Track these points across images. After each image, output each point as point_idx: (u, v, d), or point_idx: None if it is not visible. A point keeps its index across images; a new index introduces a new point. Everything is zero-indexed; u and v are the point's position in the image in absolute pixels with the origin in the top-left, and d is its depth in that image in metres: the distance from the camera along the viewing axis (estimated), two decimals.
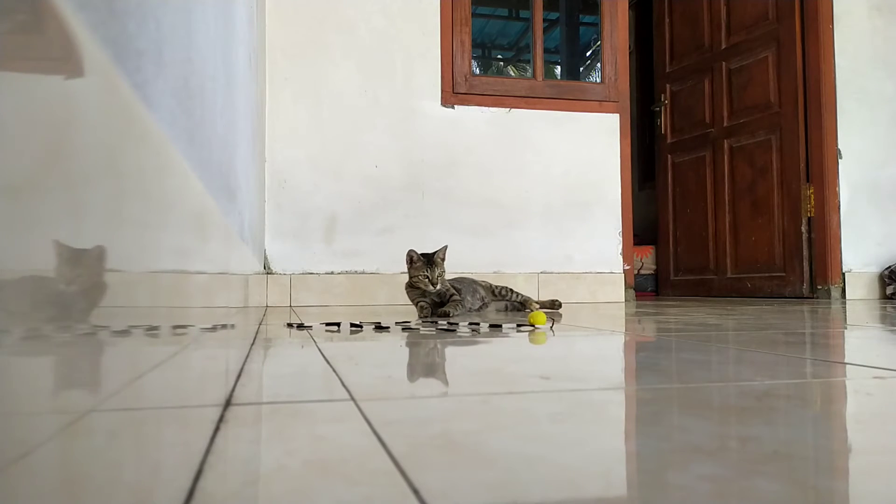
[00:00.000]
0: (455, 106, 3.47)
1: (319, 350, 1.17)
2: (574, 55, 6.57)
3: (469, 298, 2.47)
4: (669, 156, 4.69)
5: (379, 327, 1.65)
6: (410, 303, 2.42)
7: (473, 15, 3.62)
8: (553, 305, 2.77)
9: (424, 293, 2.29)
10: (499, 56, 8.69)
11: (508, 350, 1.27)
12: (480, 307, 2.58)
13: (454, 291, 2.34)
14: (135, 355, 0.38)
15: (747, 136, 4.14)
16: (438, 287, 2.26)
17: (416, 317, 2.19)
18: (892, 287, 3.80)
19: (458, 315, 2.22)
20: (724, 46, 4.27)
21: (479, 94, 3.50)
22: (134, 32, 0.37)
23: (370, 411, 0.62)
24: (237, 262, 1.13)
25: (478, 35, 7.57)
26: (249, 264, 1.62)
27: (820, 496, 0.39)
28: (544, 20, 5.01)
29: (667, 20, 4.68)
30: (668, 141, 4.70)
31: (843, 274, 3.81)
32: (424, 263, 2.27)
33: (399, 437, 0.53)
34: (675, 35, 4.64)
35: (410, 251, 2.30)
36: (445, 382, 0.89)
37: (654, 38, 4.83)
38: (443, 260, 2.32)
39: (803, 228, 3.84)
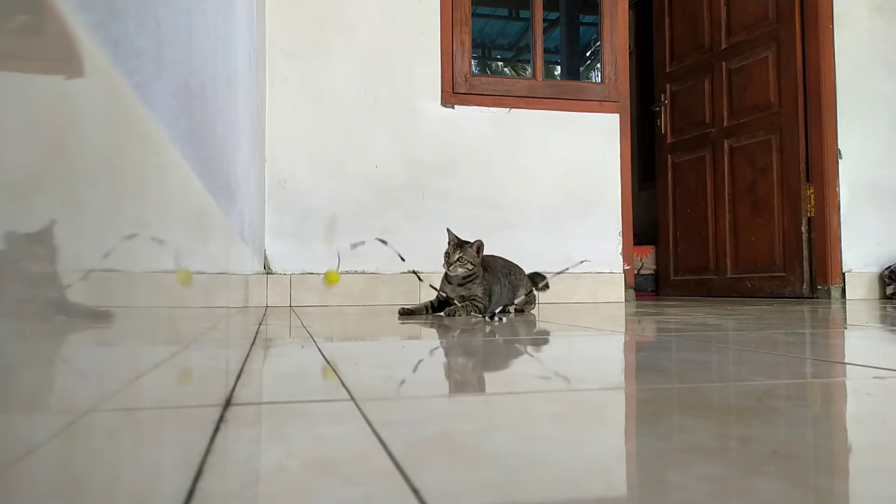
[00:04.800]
0: (455, 106, 3.47)
1: (319, 350, 1.17)
2: (574, 55, 6.57)
3: (497, 296, 2.40)
4: (669, 156, 4.69)
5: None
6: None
7: (473, 15, 3.61)
8: (535, 282, 2.68)
9: (448, 283, 2.29)
10: (498, 56, 8.69)
11: (508, 350, 1.27)
12: (505, 309, 2.48)
13: (477, 296, 2.29)
14: (135, 355, 0.38)
15: (747, 136, 4.14)
16: (458, 272, 2.24)
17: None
18: (892, 287, 3.80)
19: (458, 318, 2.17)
20: (724, 46, 4.27)
21: (479, 94, 3.50)
22: (134, 32, 0.37)
23: (370, 411, 0.62)
24: (237, 262, 1.13)
25: (478, 35, 7.57)
26: (249, 264, 1.62)
27: (820, 496, 0.39)
28: (544, 20, 5.02)
29: (667, 20, 4.67)
30: (668, 141, 4.70)
31: (843, 274, 3.80)
32: (454, 246, 2.28)
33: (399, 437, 0.53)
34: (675, 35, 4.63)
35: (448, 230, 2.33)
36: (445, 382, 0.89)
37: (654, 38, 4.83)
38: (478, 252, 2.31)
39: (803, 228, 3.84)
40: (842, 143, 3.82)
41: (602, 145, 3.65)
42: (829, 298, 3.72)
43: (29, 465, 0.20)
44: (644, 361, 1.12)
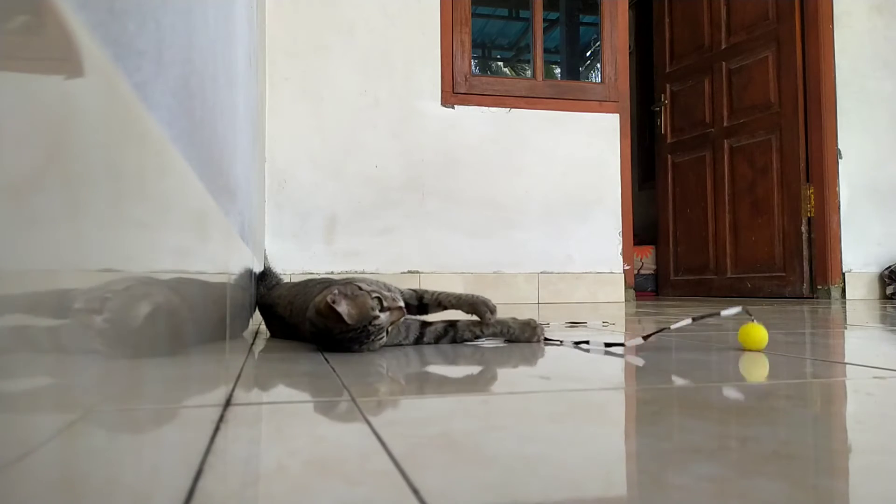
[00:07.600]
0: (455, 106, 3.47)
1: (319, 349, 1.17)
2: (574, 55, 6.57)
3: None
4: (669, 156, 4.69)
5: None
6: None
7: (473, 15, 3.61)
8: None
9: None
10: (498, 56, 8.69)
11: (508, 350, 1.26)
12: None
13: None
14: (134, 354, 0.38)
15: (747, 136, 4.14)
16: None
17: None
18: (892, 287, 3.80)
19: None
20: (724, 46, 4.27)
21: (478, 94, 3.50)
22: (134, 32, 0.37)
23: (370, 411, 0.62)
24: (237, 262, 1.13)
25: (478, 35, 7.56)
26: (250, 264, 1.62)
27: (820, 496, 0.39)
28: (544, 20, 5.01)
29: (667, 20, 4.67)
30: (668, 141, 4.70)
31: (843, 274, 3.80)
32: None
33: (399, 437, 0.53)
34: (675, 35, 4.63)
35: (348, 289, 1.13)
36: (444, 381, 0.89)
37: (654, 38, 4.83)
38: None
39: (803, 228, 3.84)
40: (842, 143, 3.82)
41: (602, 145, 3.65)
42: (829, 298, 3.72)
43: (28, 465, 0.20)
44: (644, 361, 1.12)
